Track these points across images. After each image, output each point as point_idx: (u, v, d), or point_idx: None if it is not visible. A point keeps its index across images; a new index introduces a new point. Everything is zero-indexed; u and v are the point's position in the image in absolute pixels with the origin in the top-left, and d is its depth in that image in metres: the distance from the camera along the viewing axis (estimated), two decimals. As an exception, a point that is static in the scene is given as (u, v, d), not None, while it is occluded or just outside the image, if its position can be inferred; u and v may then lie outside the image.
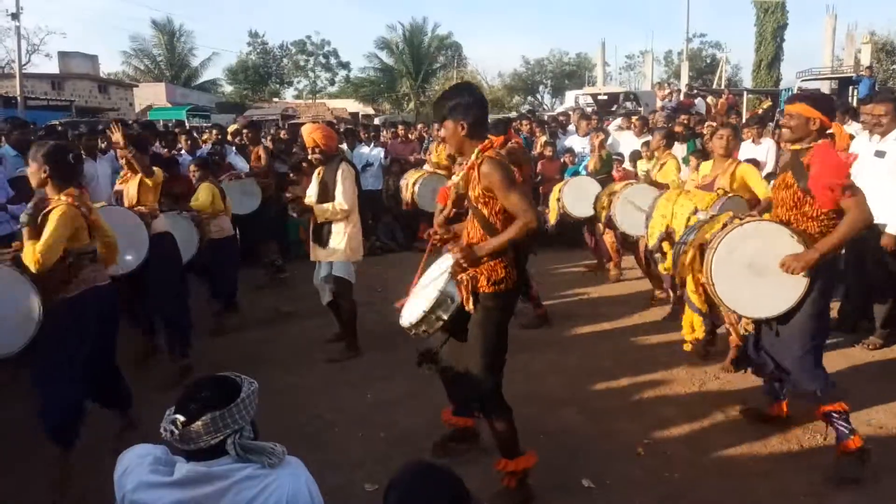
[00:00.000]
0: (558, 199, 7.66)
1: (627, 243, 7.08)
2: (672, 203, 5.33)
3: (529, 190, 5.39)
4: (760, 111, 14.25)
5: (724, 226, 3.75)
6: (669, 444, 3.91)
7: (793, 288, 3.41)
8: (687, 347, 5.03)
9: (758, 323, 3.72)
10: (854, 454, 3.39)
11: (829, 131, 3.50)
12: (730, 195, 4.94)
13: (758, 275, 3.48)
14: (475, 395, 3.27)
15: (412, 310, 3.25)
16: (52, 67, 34.71)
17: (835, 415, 3.42)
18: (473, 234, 3.23)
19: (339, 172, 5.10)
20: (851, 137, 5.79)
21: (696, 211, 5.08)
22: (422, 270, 3.44)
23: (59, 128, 12.17)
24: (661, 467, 3.64)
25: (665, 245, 5.43)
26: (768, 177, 7.64)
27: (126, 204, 5.04)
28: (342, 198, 5.09)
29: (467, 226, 3.32)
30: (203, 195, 6.30)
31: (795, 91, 18.28)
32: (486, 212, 3.15)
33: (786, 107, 3.61)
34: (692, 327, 4.74)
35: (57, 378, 3.59)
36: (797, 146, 3.48)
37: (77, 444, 3.69)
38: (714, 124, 10.37)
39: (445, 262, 3.28)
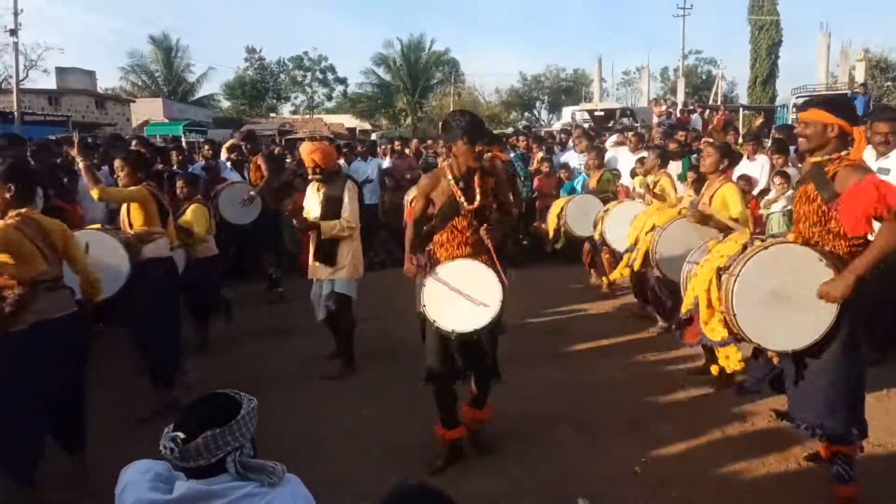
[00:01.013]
0: (559, 217, 7.67)
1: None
2: (647, 217, 5.66)
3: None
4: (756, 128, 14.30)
5: (744, 248, 3.36)
6: (667, 462, 3.90)
7: (822, 315, 3.05)
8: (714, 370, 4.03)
9: (782, 356, 3.31)
10: (847, 501, 3.27)
11: (850, 138, 3.08)
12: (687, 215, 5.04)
13: (783, 303, 3.10)
14: (494, 365, 3.93)
15: (463, 318, 3.63)
16: (50, 83, 34.71)
17: (841, 457, 3.21)
18: (464, 234, 3.84)
19: (347, 191, 5.18)
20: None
21: (653, 227, 5.22)
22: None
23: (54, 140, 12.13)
24: (659, 486, 3.62)
25: (626, 256, 5.76)
26: (762, 193, 7.70)
27: (121, 226, 4.90)
28: (349, 215, 5.15)
29: (449, 228, 3.84)
30: (199, 223, 6.03)
31: (791, 107, 18.39)
32: (487, 213, 3.89)
33: (799, 114, 3.41)
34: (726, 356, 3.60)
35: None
36: (817, 157, 3.10)
37: (35, 480, 3.46)
38: (710, 140, 10.43)
39: (476, 269, 3.69)
